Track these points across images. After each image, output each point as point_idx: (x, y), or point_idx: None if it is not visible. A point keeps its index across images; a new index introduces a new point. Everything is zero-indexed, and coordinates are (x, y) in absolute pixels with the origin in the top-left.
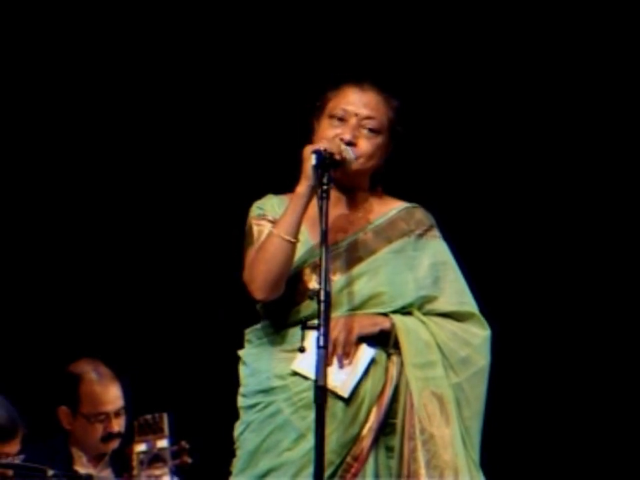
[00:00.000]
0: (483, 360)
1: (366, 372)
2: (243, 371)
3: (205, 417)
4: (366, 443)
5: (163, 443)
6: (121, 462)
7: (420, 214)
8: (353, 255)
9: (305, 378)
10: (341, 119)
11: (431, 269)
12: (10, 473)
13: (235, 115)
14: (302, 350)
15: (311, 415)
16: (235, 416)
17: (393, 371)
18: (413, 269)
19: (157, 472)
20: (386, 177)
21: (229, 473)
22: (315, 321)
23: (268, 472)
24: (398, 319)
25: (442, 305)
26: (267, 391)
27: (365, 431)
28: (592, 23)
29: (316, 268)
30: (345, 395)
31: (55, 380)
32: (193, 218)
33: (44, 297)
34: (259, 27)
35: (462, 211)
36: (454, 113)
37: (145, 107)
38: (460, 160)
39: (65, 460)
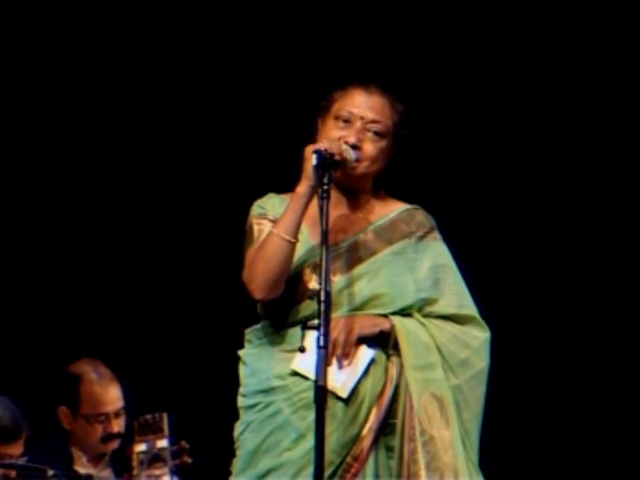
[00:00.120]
0: (482, 362)
1: (366, 372)
2: (242, 370)
3: (205, 417)
4: (366, 443)
5: (162, 443)
6: (120, 462)
7: (421, 216)
8: (353, 256)
9: (305, 378)
10: (346, 121)
11: (431, 271)
12: (13, 474)
13: (235, 114)
14: (302, 350)
15: (311, 415)
16: (235, 416)
17: (393, 371)
18: (413, 271)
19: (157, 472)
20: (388, 179)
21: (229, 473)
22: (315, 321)
23: (268, 472)
24: (398, 320)
25: (442, 307)
26: (266, 391)
27: (364, 431)
28: (592, 23)
29: (316, 268)
30: (344, 395)
31: (55, 380)
32: (193, 218)
33: (44, 297)
34: (262, 27)
35: (463, 213)
36: (455, 116)
37: (146, 107)
38: (461, 162)
39: (65, 460)
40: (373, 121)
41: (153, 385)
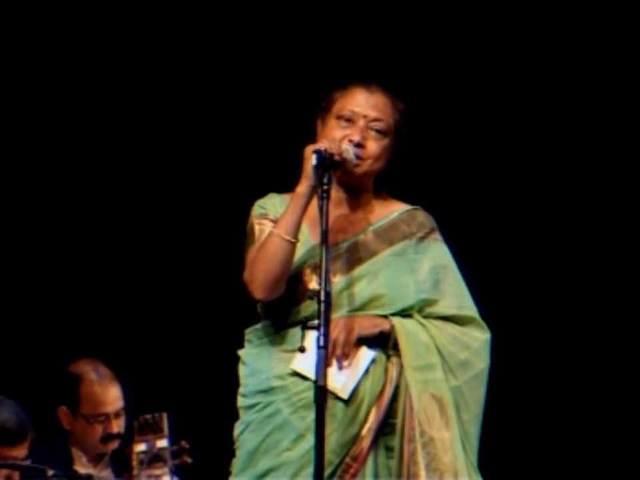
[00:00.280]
0: (482, 363)
1: (366, 373)
2: (242, 370)
3: (205, 417)
4: (365, 443)
5: (162, 443)
6: (120, 462)
7: (421, 217)
8: (354, 257)
9: (305, 378)
10: (349, 120)
11: (432, 272)
12: (16, 476)
13: (236, 114)
14: (302, 350)
15: (311, 415)
16: (235, 416)
17: (393, 371)
18: (413, 272)
19: (157, 472)
20: (389, 179)
21: (229, 473)
22: (315, 321)
23: (267, 472)
24: (398, 321)
25: (442, 308)
26: (266, 391)
27: (364, 431)
28: (592, 23)
29: (316, 268)
30: (345, 396)
31: (55, 380)
32: (193, 218)
33: (44, 297)
34: (261, 27)
35: (463, 213)
36: (456, 116)
37: (146, 107)
38: (462, 163)
39: (65, 460)
40: (376, 119)
41: (153, 385)
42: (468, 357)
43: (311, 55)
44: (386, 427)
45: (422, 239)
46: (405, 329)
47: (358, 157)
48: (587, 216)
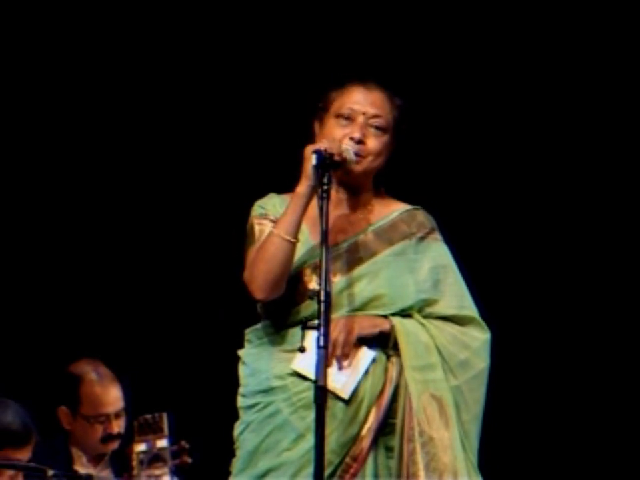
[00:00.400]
0: (482, 363)
1: (366, 373)
2: (242, 370)
3: (205, 417)
4: (365, 443)
5: (162, 443)
6: (121, 462)
7: (421, 216)
8: (354, 257)
9: (305, 378)
10: (348, 118)
11: (432, 272)
12: (21, 478)
13: (235, 115)
14: (302, 350)
15: (310, 415)
16: (235, 416)
17: (393, 371)
18: (413, 272)
19: (157, 472)
20: (388, 179)
21: (229, 473)
22: (315, 321)
23: (267, 472)
24: (397, 321)
25: (442, 308)
26: (266, 391)
27: (364, 431)
28: (592, 23)
29: (316, 268)
30: (345, 396)
31: (56, 380)
32: (193, 218)
33: (44, 297)
34: (260, 28)
35: (463, 213)
36: (456, 116)
37: (146, 107)
38: (461, 163)
39: (65, 460)
40: (375, 116)
41: (153, 385)
42: (468, 356)
43: (310, 55)
44: (386, 426)
45: (422, 238)
46: (404, 328)
47: (358, 154)
48: (586, 216)
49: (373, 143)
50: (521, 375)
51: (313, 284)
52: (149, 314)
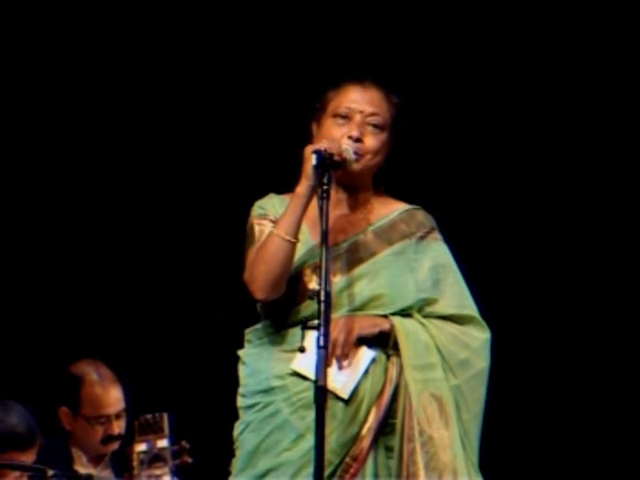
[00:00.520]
0: (482, 363)
1: (365, 372)
2: (242, 371)
3: (205, 417)
4: (365, 443)
5: (163, 443)
6: (121, 462)
7: (421, 216)
8: (353, 257)
9: (305, 378)
10: (345, 117)
11: (431, 271)
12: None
13: (235, 115)
14: (302, 350)
15: (310, 415)
16: (235, 416)
17: (393, 371)
18: (413, 272)
19: (157, 472)
20: (387, 178)
21: (229, 473)
22: (315, 321)
23: (267, 472)
24: (397, 320)
25: (442, 307)
26: (266, 391)
27: (364, 431)
28: (592, 23)
29: (316, 268)
30: (345, 396)
31: (56, 380)
32: (193, 218)
33: (45, 298)
34: (258, 29)
35: (463, 213)
36: (455, 115)
37: (145, 107)
38: (461, 162)
39: (65, 460)
40: (372, 114)
41: (153, 385)
42: (468, 356)
43: (309, 55)
44: (386, 426)
45: (421, 238)
46: (404, 328)
47: (356, 153)
48: (586, 216)
49: (371, 141)
50: (521, 375)
51: (313, 284)
52: (149, 314)
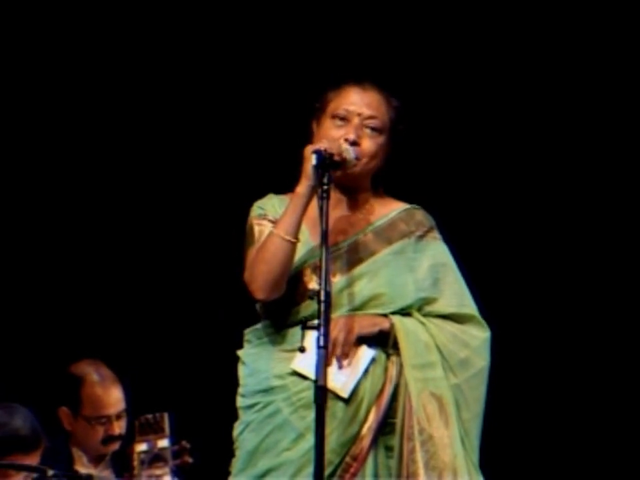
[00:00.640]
0: (482, 362)
1: (365, 372)
2: (242, 370)
3: (205, 417)
4: (365, 442)
5: (163, 443)
6: (121, 462)
7: (420, 215)
8: (353, 257)
9: (305, 378)
10: (343, 119)
11: (431, 270)
12: None
13: (235, 115)
14: (302, 350)
15: (310, 415)
16: (235, 416)
17: (393, 370)
18: (412, 271)
19: (158, 472)
20: (387, 178)
21: (229, 473)
22: (315, 321)
23: (267, 472)
24: (397, 319)
25: (441, 306)
26: (266, 391)
27: (364, 431)
28: (592, 23)
29: (316, 268)
30: (345, 395)
31: (57, 381)
32: (193, 218)
33: (45, 298)
34: (259, 29)
35: (462, 212)
36: (454, 114)
37: (145, 108)
38: (460, 161)
39: (66, 460)
40: (370, 117)
41: (153, 385)
42: (468, 355)
43: (309, 55)
44: (386, 426)
45: (421, 237)
46: (404, 327)
47: (355, 155)
48: (586, 215)
49: (368, 144)
50: (521, 374)
51: (313, 284)
52: (149, 315)
